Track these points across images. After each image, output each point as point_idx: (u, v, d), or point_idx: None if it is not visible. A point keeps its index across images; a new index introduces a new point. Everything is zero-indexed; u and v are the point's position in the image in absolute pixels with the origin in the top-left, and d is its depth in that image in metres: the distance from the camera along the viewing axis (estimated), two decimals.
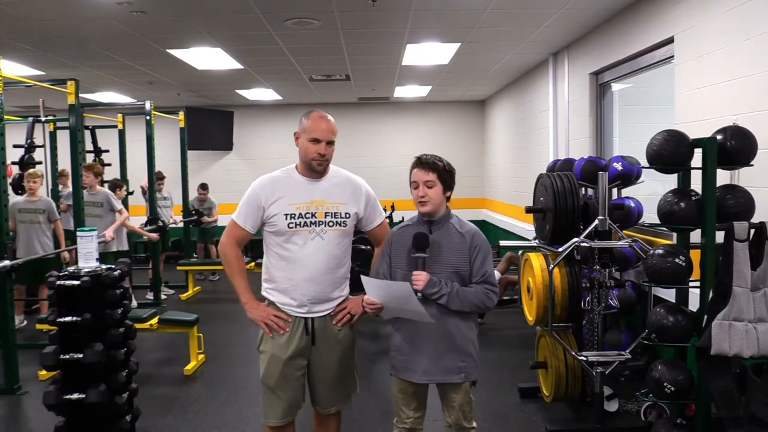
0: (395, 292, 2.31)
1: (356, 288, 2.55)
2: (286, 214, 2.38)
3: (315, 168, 2.41)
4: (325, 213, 2.42)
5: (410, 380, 2.46)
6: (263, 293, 2.52)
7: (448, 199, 2.47)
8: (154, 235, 7.01)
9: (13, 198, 6.01)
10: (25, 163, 6.22)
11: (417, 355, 2.42)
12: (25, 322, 5.84)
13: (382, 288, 2.35)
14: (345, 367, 2.55)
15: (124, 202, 6.95)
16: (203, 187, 8.95)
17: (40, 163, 6.50)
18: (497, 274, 5.82)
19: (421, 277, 2.32)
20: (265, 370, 2.47)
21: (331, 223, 2.43)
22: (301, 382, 2.51)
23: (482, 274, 2.39)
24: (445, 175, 2.41)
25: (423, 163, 2.40)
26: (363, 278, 2.39)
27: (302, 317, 2.44)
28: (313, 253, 2.41)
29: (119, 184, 6.98)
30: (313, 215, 2.40)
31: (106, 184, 6.65)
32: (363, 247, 4.91)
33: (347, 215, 2.47)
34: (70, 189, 5.80)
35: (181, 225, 8.34)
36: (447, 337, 2.39)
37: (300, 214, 2.39)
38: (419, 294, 2.33)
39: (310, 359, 2.48)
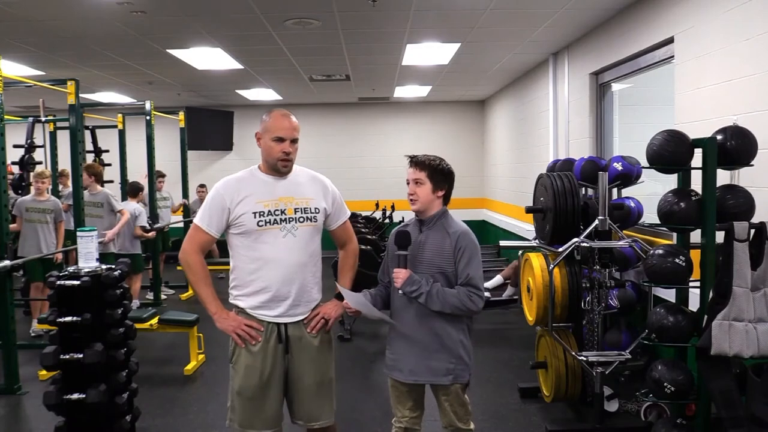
0: (353, 299, 2.35)
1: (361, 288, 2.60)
2: (255, 212, 2.30)
3: (280, 168, 2.34)
4: (295, 209, 2.35)
5: (398, 379, 2.47)
6: (231, 301, 2.42)
7: (446, 200, 2.46)
8: (150, 234, 6.93)
9: (14, 196, 6.02)
10: (25, 163, 6.24)
11: (404, 354, 2.43)
12: (42, 331, 5.78)
13: (346, 296, 2.39)
14: (326, 377, 2.45)
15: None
16: (202, 186, 9.04)
17: (40, 163, 6.51)
18: (499, 279, 5.82)
19: (400, 275, 2.34)
20: (242, 382, 2.35)
21: (301, 219, 2.35)
22: (282, 393, 2.39)
23: (465, 275, 2.35)
24: (436, 175, 2.40)
25: (415, 161, 2.42)
26: (337, 284, 2.45)
27: (275, 323, 2.35)
28: (286, 251, 2.32)
29: (140, 187, 6.88)
30: (282, 212, 2.33)
31: (107, 185, 6.64)
32: (363, 247, 4.91)
33: (317, 210, 2.40)
34: (71, 189, 5.80)
35: (183, 206, 8.33)
36: (434, 337, 2.38)
37: (269, 211, 2.31)
38: (399, 292, 2.35)
39: (287, 369, 2.38)
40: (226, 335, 2.40)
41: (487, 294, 5.69)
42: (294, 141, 2.34)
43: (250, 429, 2.36)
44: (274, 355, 2.35)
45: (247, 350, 2.34)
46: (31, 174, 6.08)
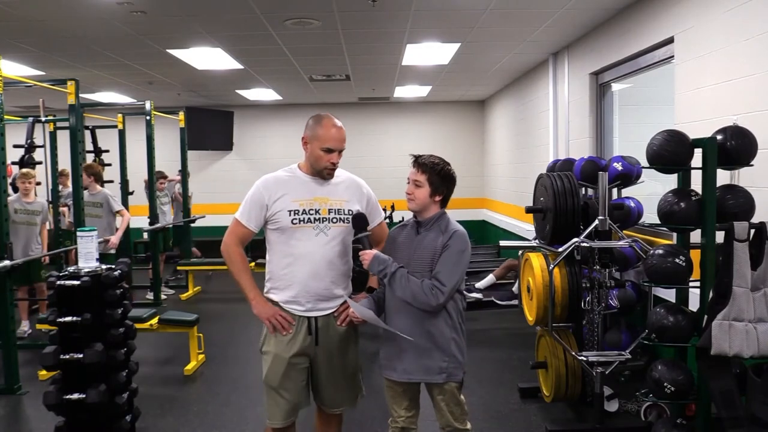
0: (359, 309, 2.39)
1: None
2: (290, 210, 2.40)
3: (324, 176, 2.46)
4: (329, 210, 2.44)
5: (391, 378, 2.48)
6: (265, 294, 2.52)
7: (443, 203, 2.46)
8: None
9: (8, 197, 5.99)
10: (25, 163, 6.22)
11: (398, 353, 2.44)
12: (30, 331, 5.74)
13: (353, 306, 2.42)
14: (350, 366, 2.57)
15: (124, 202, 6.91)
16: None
17: (40, 163, 6.50)
18: (491, 278, 5.80)
19: (366, 256, 2.39)
20: (268, 371, 2.47)
21: (334, 220, 2.45)
22: (305, 382, 2.51)
23: (437, 270, 2.35)
24: (436, 179, 2.40)
25: (418, 162, 2.43)
26: (346, 298, 2.52)
27: (305, 316, 2.45)
28: (317, 249, 2.42)
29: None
30: (317, 212, 2.43)
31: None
32: None
33: (350, 212, 2.48)
34: (70, 189, 5.79)
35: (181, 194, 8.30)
36: (426, 336, 2.39)
37: (304, 210, 2.41)
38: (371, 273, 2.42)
39: (313, 359, 2.49)
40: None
41: (478, 295, 5.73)
42: (341, 151, 2.44)
43: (271, 420, 2.49)
44: (302, 345, 2.45)
45: (278, 339, 2.45)
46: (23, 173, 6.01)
